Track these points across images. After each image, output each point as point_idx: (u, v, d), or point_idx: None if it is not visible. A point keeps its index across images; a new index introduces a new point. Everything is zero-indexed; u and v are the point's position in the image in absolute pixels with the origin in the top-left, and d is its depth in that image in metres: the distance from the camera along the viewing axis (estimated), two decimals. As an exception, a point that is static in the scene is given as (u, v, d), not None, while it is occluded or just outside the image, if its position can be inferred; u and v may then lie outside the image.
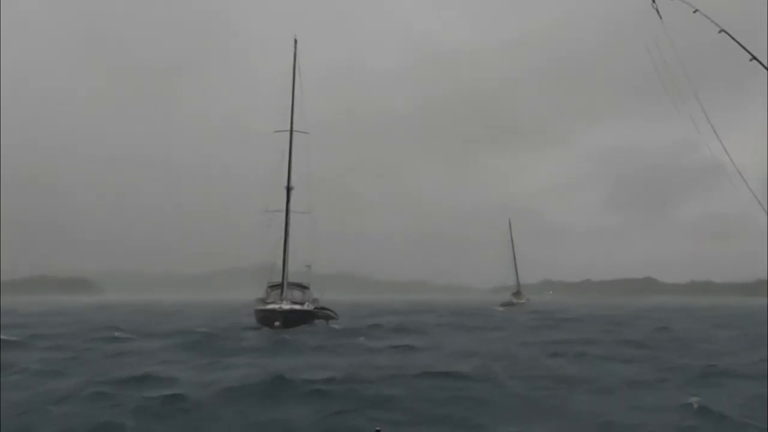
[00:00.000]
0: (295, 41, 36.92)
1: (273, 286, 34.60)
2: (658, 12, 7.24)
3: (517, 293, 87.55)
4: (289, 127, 35.67)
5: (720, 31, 6.90)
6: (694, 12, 7.13)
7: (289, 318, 30.35)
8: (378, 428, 3.60)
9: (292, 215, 35.58)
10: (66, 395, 12.47)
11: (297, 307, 32.22)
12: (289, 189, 35.53)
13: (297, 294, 34.36)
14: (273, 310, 31.02)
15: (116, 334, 27.27)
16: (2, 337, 23.39)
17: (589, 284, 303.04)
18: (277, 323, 29.85)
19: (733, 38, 6.74)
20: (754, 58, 6.60)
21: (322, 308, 34.40)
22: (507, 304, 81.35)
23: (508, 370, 16.64)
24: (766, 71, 6.54)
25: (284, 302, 32.08)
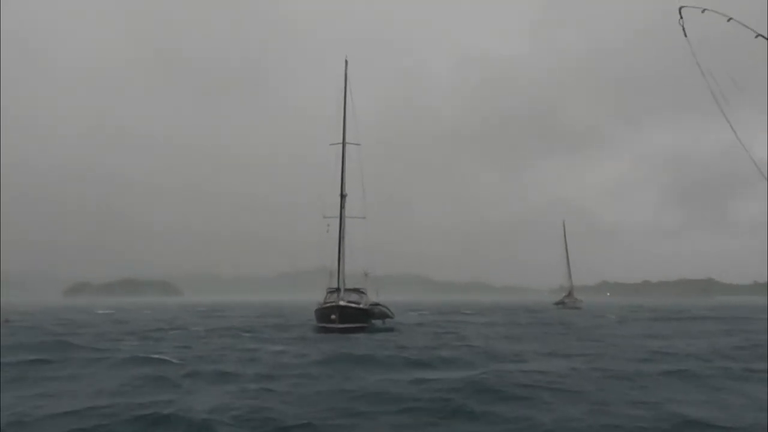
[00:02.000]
0: (346, 62, 38.70)
1: (331, 291, 35.57)
2: (684, 30, 6.99)
3: (569, 295, 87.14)
4: (343, 141, 37.50)
5: (756, 36, 6.58)
6: (729, 20, 6.83)
7: (345, 312, 30.93)
8: None
9: (347, 221, 36.67)
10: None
11: (353, 303, 32.88)
12: (342, 196, 36.80)
13: (354, 296, 35.03)
14: (330, 306, 31.69)
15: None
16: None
17: (648, 285, 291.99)
18: (333, 316, 30.50)
19: (771, 44, 6.41)
20: (793, 61, 6.25)
21: (377, 304, 35.12)
22: (559, 304, 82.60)
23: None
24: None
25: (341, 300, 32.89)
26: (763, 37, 6.57)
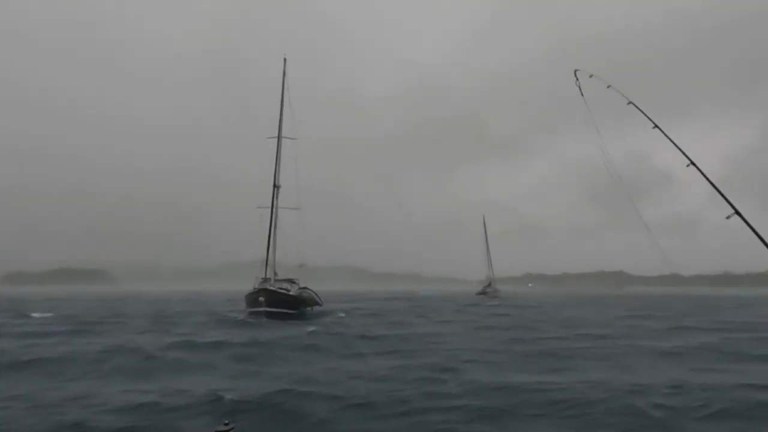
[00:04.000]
0: (285, 60, 38.47)
1: (264, 280, 34.97)
2: (580, 89, 8.11)
3: (489, 285, 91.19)
4: (283, 136, 37.16)
5: (628, 103, 7.74)
6: (608, 87, 7.98)
7: (273, 296, 30.95)
8: (226, 422, 3.87)
9: (282, 212, 36.18)
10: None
11: (282, 290, 32.87)
12: (275, 186, 36.22)
13: (285, 285, 35.00)
14: (258, 290, 31.53)
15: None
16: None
17: (567, 277, 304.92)
18: (261, 299, 30.29)
19: (639, 109, 7.59)
20: (656, 126, 7.44)
21: (306, 288, 35.18)
22: (481, 294, 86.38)
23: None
24: (665, 137, 7.37)
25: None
26: (633, 104, 7.73)
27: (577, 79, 8.12)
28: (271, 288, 32.05)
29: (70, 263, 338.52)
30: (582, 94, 8.02)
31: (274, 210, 36.02)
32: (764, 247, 5.69)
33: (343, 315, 35.01)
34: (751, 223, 5.81)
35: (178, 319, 30.49)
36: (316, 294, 35.51)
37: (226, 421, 4.15)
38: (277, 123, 37.38)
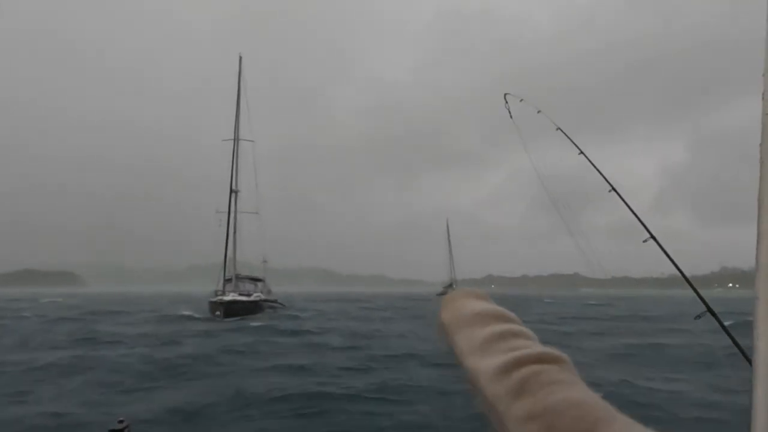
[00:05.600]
0: (240, 58, 36.95)
1: (227, 280, 34.26)
2: (509, 111, 7.96)
3: (450, 286, 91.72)
4: (240, 138, 35.88)
5: (557, 129, 7.61)
6: (538, 112, 7.85)
7: (230, 308, 30.32)
8: (121, 419, 3.49)
9: (242, 215, 35.33)
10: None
11: (241, 298, 31.97)
12: (232, 191, 35.24)
13: (249, 287, 34.20)
14: (216, 302, 30.82)
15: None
16: None
17: (526, 279, 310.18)
18: (218, 313, 29.78)
19: (567, 136, 7.50)
20: (582, 152, 7.33)
21: (267, 299, 34.51)
22: (441, 294, 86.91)
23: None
24: (590, 163, 7.25)
25: (231, 294, 31.90)
26: (561, 131, 7.61)
27: (507, 102, 7.99)
28: (229, 299, 31.30)
29: (35, 265, 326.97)
30: (511, 116, 7.88)
31: (232, 215, 35.15)
32: (675, 269, 5.58)
33: (299, 315, 34.29)
34: (668, 245, 5.73)
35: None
36: (277, 301, 35.15)
37: (121, 419, 3.73)
38: (243, 126, 36.13)
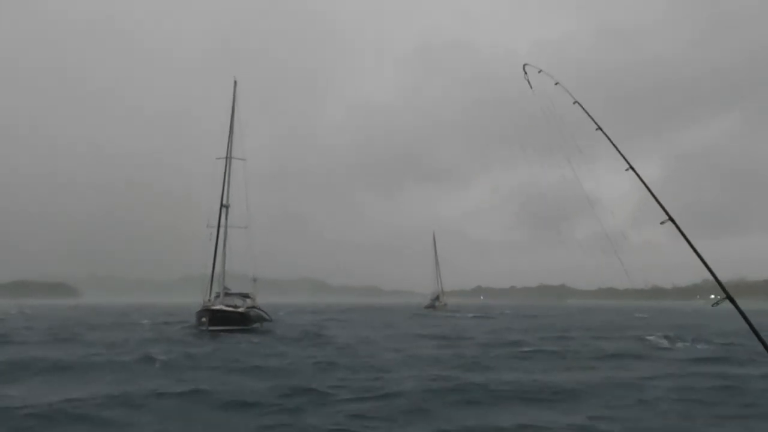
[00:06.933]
0: (235, 82, 37.86)
1: (217, 295, 34.10)
2: (529, 83, 7.64)
3: (437, 298, 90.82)
4: (234, 157, 36.30)
5: (574, 102, 7.27)
6: (556, 84, 7.52)
7: (216, 316, 29.69)
8: None
9: (232, 230, 35.70)
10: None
11: (227, 308, 31.57)
12: (223, 206, 35.62)
13: (237, 301, 33.84)
14: (203, 310, 30.66)
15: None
16: None
17: (514, 290, 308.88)
18: (203, 319, 29.40)
19: (584, 109, 7.14)
20: (599, 128, 6.98)
21: (254, 307, 34.06)
22: (429, 307, 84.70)
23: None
24: (607, 139, 6.89)
25: (219, 305, 31.71)
26: (579, 104, 7.27)
27: (525, 73, 7.66)
28: (216, 307, 30.92)
29: (29, 275, 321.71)
30: (531, 87, 7.52)
31: (221, 229, 35.34)
32: (696, 256, 5.16)
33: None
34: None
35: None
36: (265, 312, 34.71)
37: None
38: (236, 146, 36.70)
